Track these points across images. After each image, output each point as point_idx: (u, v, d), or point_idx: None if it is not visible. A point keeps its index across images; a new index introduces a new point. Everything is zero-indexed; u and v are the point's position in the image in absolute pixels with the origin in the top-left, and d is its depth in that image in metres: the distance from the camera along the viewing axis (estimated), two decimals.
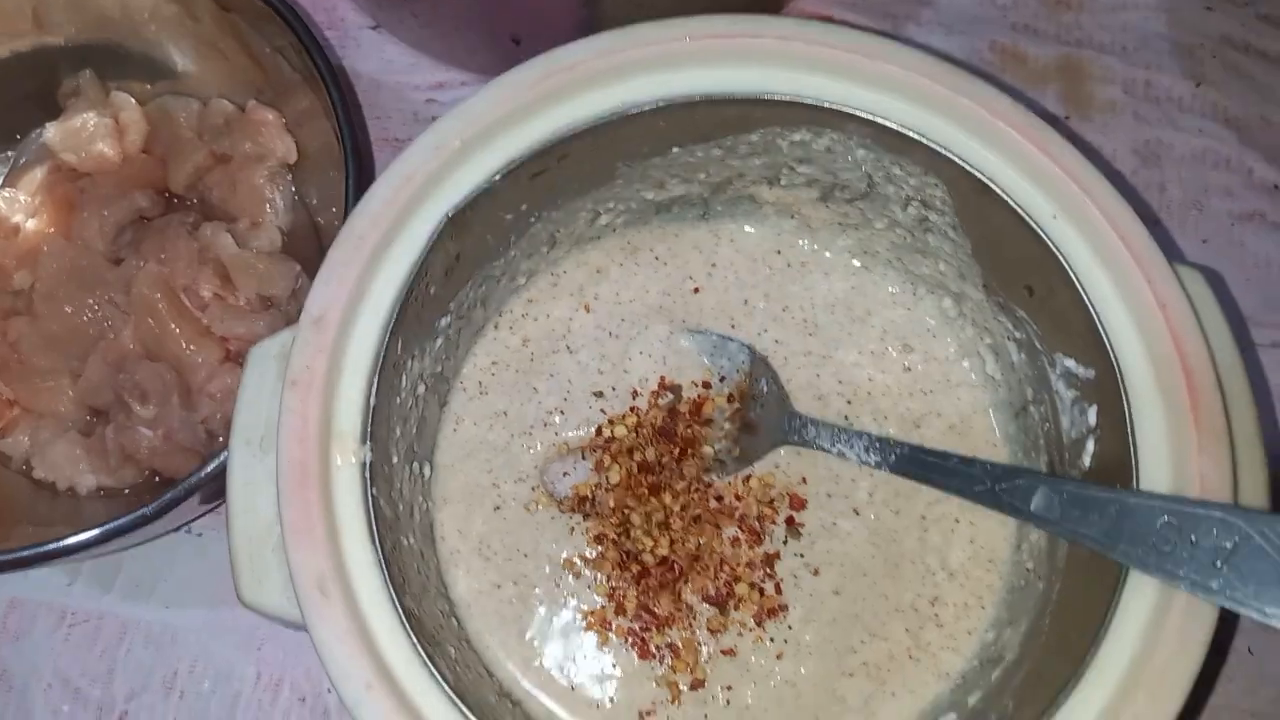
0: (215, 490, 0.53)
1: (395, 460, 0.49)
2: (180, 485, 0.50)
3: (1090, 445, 0.47)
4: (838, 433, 0.52)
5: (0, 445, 0.63)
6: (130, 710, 0.59)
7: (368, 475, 0.44)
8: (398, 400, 0.49)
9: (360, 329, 0.46)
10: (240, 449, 0.45)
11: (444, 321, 0.53)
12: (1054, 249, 0.46)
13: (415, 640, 0.41)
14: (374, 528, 0.43)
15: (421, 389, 0.52)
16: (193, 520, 0.63)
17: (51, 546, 0.49)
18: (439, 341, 0.53)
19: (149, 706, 0.59)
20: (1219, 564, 0.38)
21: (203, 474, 0.50)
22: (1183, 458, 0.42)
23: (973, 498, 0.46)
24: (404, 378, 0.50)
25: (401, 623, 0.42)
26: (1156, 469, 0.43)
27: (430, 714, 0.40)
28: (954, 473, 0.46)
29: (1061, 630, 0.45)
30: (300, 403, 0.43)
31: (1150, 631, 0.40)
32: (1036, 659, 0.46)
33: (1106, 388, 0.45)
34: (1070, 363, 0.48)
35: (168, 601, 0.62)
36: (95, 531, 0.49)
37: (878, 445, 0.50)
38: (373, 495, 0.44)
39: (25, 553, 0.49)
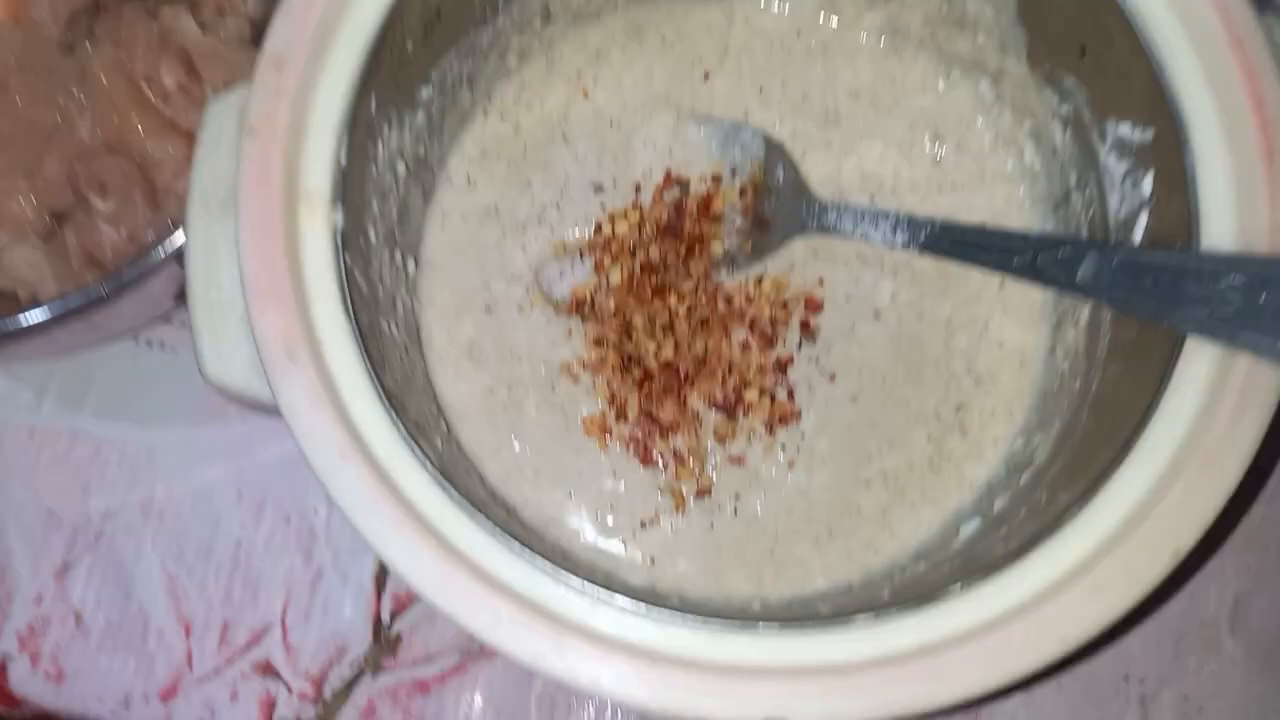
0: (176, 281, 0.49)
1: (373, 239, 0.44)
2: (142, 256, 0.45)
3: (1143, 220, 0.42)
4: (861, 214, 0.47)
5: None
6: (107, 530, 0.56)
7: (339, 240, 0.40)
8: (374, 170, 0.44)
9: (327, 75, 0.41)
10: (199, 212, 0.40)
11: (425, 93, 0.48)
12: None
13: (394, 415, 0.37)
14: (347, 297, 0.39)
15: (402, 169, 0.47)
16: (167, 312, 0.58)
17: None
18: (420, 116, 0.48)
19: (126, 526, 0.56)
20: None
21: (166, 246, 0.45)
22: (1252, 214, 0.37)
23: (1011, 272, 0.41)
24: (380, 145, 0.45)
25: (379, 396, 0.38)
26: (1221, 230, 0.38)
27: (411, 489, 0.36)
28: (991, 246, 0.42)
29: (1101, 419, 0.41)
30: (260, 152, 0.38)
31: (1207, 402, 0.36)
32: (1072, 454, 0.42)
33: (1166, 148, 0.40)
34: (1125, 128, 0.43)
35: (143, 420, 0.58)
36: (47, 310, 0.44)
37: (906, 224, 0.45)
38: (346, 263, 0.39)
39: None
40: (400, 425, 0.38)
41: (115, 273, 0.45)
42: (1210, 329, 0.35)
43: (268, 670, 0.54)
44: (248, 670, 0.54)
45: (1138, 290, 0.37)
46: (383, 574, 0.55)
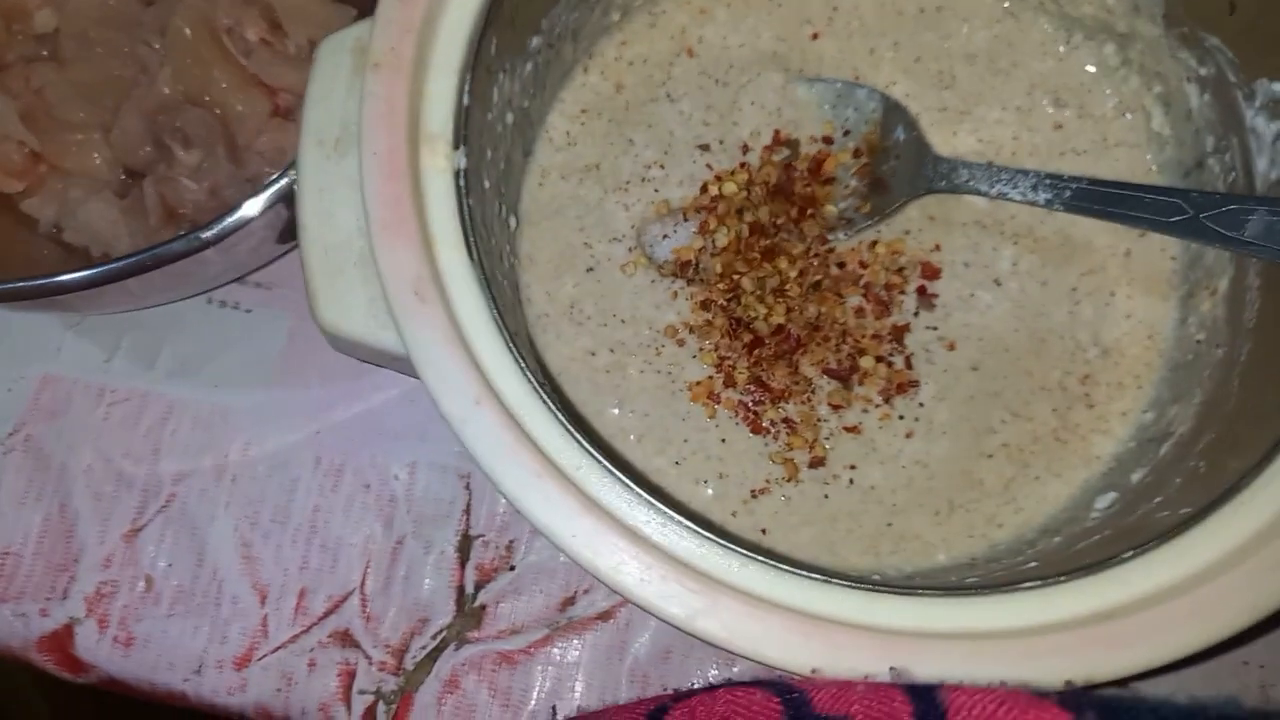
0: (273, 233, 0.47)
1: (487, 186, 0.42)
2: (239, 207, 0.43)
3: None
4: (997, 171, 0.45)
5: (27, 206, 0.56)
6: (179, 493, 0.54)
7: (463, 184, 0.38)
8: (489, 117, 0.42)
9: (452, 12, 0.39)
10: (312, 149, 0.38)
11: (535, 42, 0.46)
12: None
13: (522, 363, 0.35)
14: (472, 241, 0.37)
15: (510, 119, 0.45)
16: (252, 272, 0.56)
17: (85, 274, 0.42)
18: (529, 67, 0.46)
19: (199, 490, 0.54)
20: None
21: (263, 196, 0.43)
22: None
23: (1168, 229, 0.39)
24: (495, 92, 0.43)
25: (506, 343, 0.35)
26: None
27: (545, 439, 0.34)
28: (1145, 204, 0.40)
29: (1261, 389, 0.39)
30: (386, 88, 0.36)
31: None
32: (1228, 423, 0.40)
33: None
34: (1278, 86, 0.41)
35: (217, 381, 0.56)
36: (138, 257, 0.42)
37: (1048, 182, 0.43)
38: (469, 207, 0.37)
39: (40, 282, 0.43)
40: (529, 373, 0.36)
41: (212, 220, 0.43)
42: None
43: (346, 640, 0.51)
44: (325, 639, 0.51)
45: None
46: (466, 543, 0.53)
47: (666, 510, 0.33)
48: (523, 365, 0.35)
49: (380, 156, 0.35)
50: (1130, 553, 0.33)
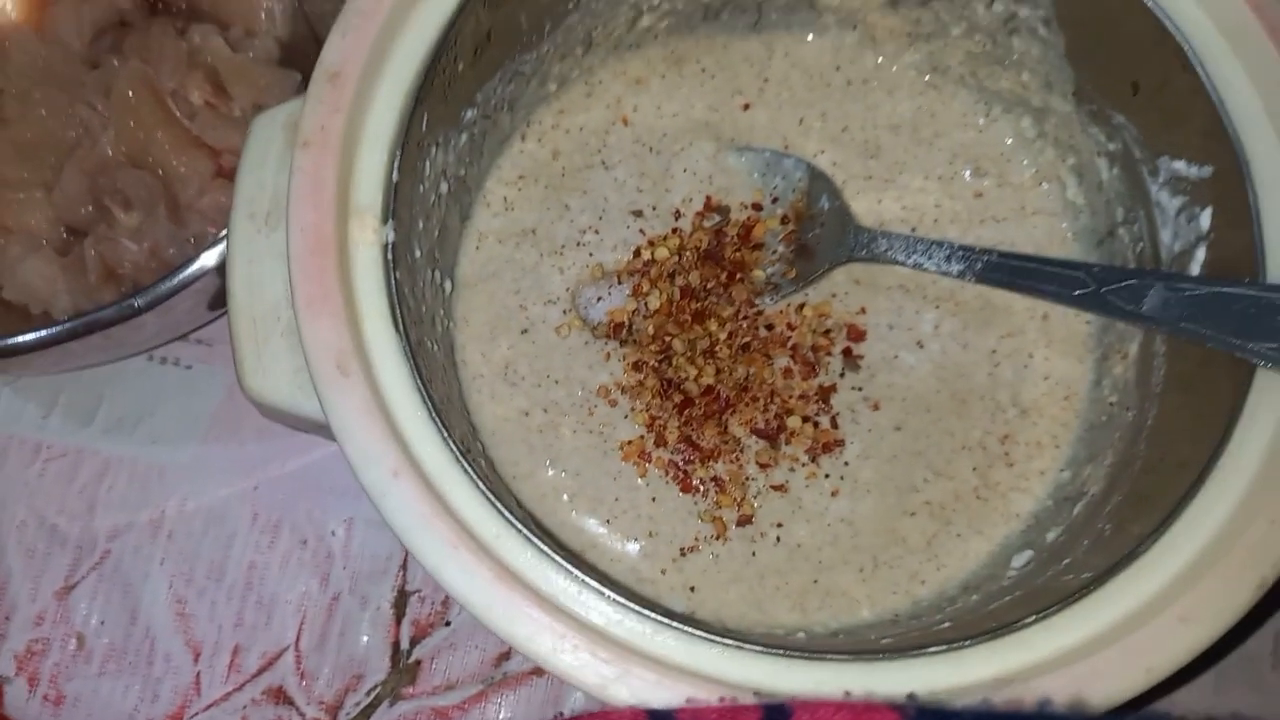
0: (207, 298, 0.48)
1: (418, 255, 0.43)
2: (176, 273, 0.43)
3: (1200, 253, 0.42)
4: (913, 243, 0.47)
5: None
6: (113, 550, 0.54)
7: (390, 256, 0.39)
8: (421, 189, 0.43)
9: (383, 91, 0.40)
10: (243, 222, 0.39)
11: (469, 114, 0.47)
12: (1172, 27, 0.41)
13: (445, 433, 0.36)
14: (398, 313, 0.38)
15: (444, 188, 0.47)
16: (190, 333, 0.56)
17: (24, 339, 0.43)
18: (464, 138, 0.47)
19: (133, 547, 0.54)
20: None
21: (197, 264, 0.44)
22: None
23: (1072, 303, 0.41)
24: (428, 164, 0.44)
25: (430, 413, 0.36)
26: None
27: (463, 508, 0.35)
28: (1052, 277, 0.41)
29: (1164, 451, 0.41)
30: (314, 164, 0.37)
31: None
32: (1133, 484, 0.41)
33: (1226, 183, 0.40)
34: (1179, 164, 0.43)
35: (154, 437, 0.56)
36: (71, 324, 0.43)
37: (960, 253, 0.45)
38: (396, 278, 0.38)
39: None
40: (451, 442, 0.36)
41: (150, 285, 0.44)
42: None
43: (280, 697, 0.51)
44: (259, 696, 0.51)
45: (1209, 323, 0.37)
46: (402, 599, 0.53)
47: (582, 576, 0.34)
48: (445, 434, 0.36)
49: (307, 232, 0.36)
50: (1032, 617, 0.35)
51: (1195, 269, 0.42)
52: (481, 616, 0.33)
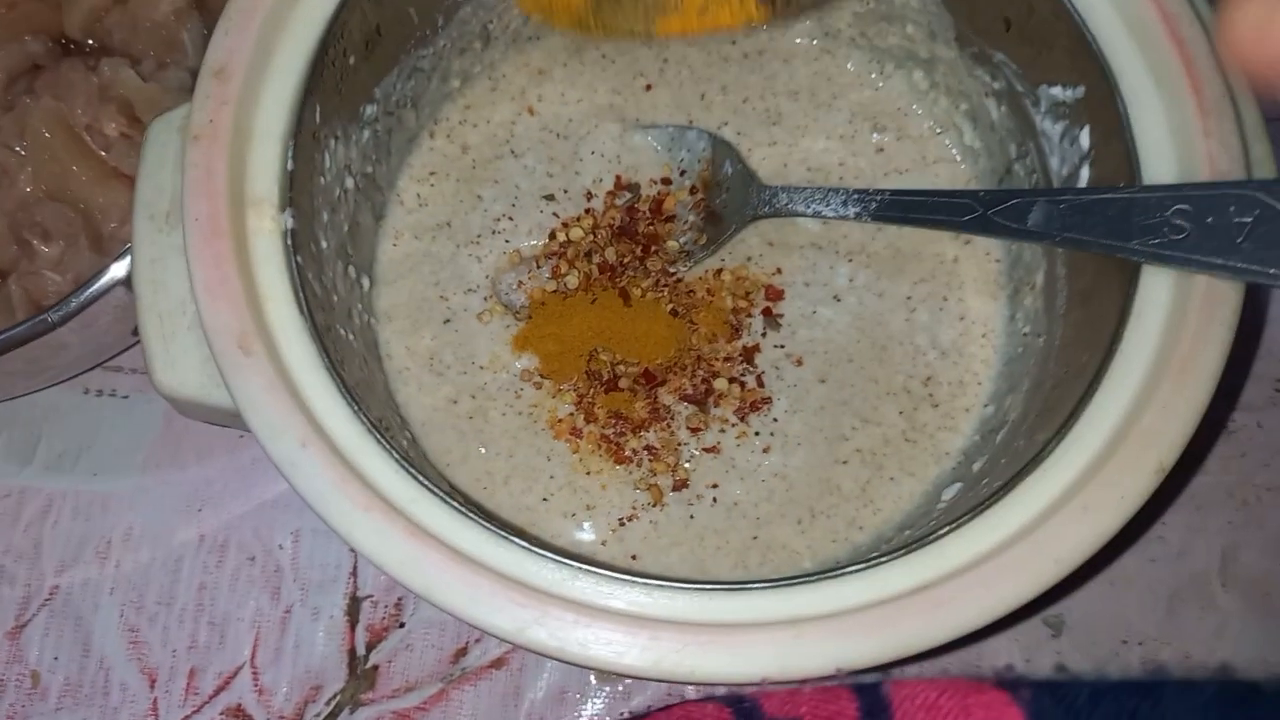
0: (125, 313, 0.48)
1: (325, 247, 0.44)
2: (88, 285, 0.44)
3: (1085, 173, 0.44)
4: (812, 193, 0.48)
5: None
6: (62, 584, 0.54)
7: (290, 242, 0.39)
8: (322, 180, 0.44)
9: (270, 85, 0.41)
10: (144, 223, 0.39)
11: (370, 110, 0.48)
12: None
13: (356, 408, 0.37)
14: (301, 296, 0.38)
15: (351, 184, 0.47)
16: (119, 358, 0.57)
17: None
18: (366, 134, 0.48)
19: (83, 580, 0.54)
20: (1239, 241, 0.35)
21: (109, 274, 0.45)
22: (1189, 146, 0.38)
23: (964, 228, 0.42)
24: (327, 157, 0.44)
25: (340, 390, 0.37)
26: (1161, 166, 0.39)
27: (377, 475, 0.35)
28: (941, 207, 0.42)
29: (1070, 363, 0.42)
30: (205, 157, 0.38)
31: (1170, 321, 0.36)
32: (1044, 401, 0.42)
33: (1098, 100, 0.42)
34: (1056, 90, 0.45)
35: (95, 469, 0.56)
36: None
37: (855, 197, 0.46)
38: (298, 263, 0.39)
39: None
40: (364, 417, 0.37)
41: (63, 300, 0.44)
42: (1164, 256, 0.36)
43: (239, 715, 0.51)
44: (218, 717, 0.51)
45: (1089, 229, 0.38)
46: (355, 605, 0.53)
47: (497, 530, 0.34)
48: (356, 409, 0.37)
49: (201, 221, 0.37)
50: (945, 529, 0.35)
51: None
52: (395, 574, 0.33)
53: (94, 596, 0.53)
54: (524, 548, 0.34)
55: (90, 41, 0.61)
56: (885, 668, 0.33)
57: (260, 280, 0.38)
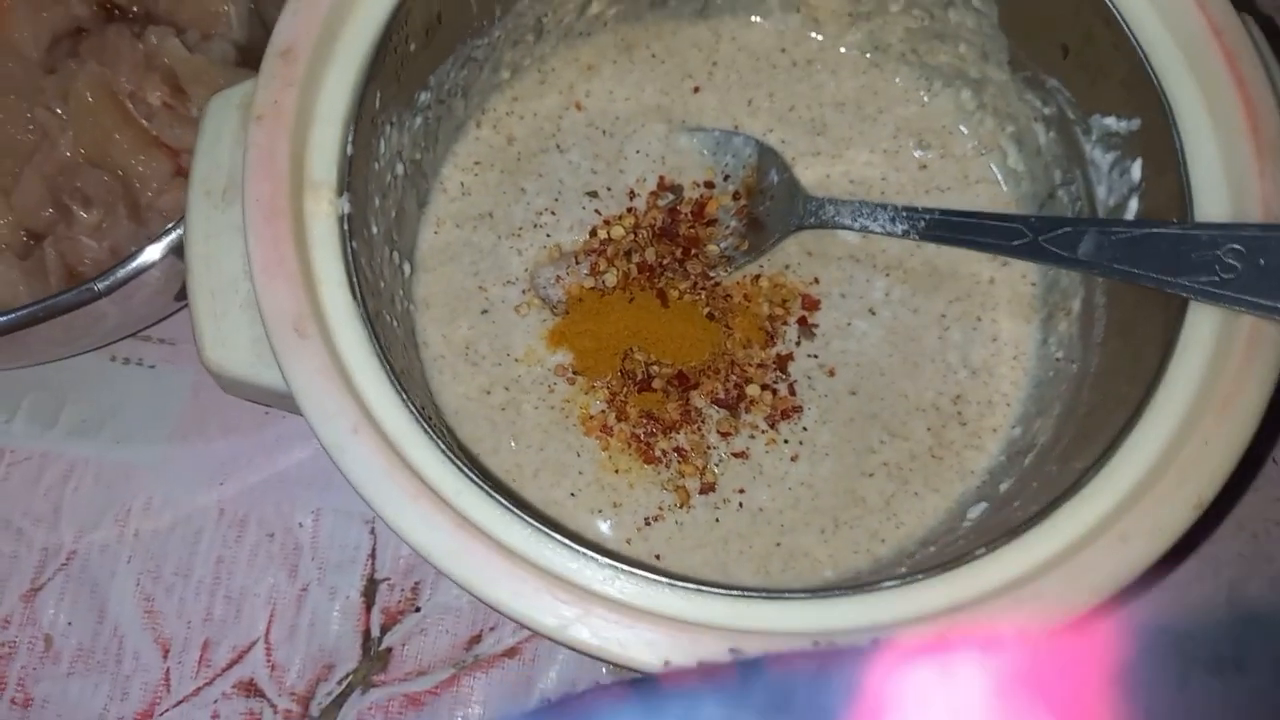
0: (169, 285, 0.48)
1: (375, 232, 0.44)
2: (133, 257, 0.44)
3: (1134, 205, 0.44)
4: (859, 207, 0.48)
5: None
6: (80, 550, 0.54)
7: (346, 227, 0.39)
8: (376, 166, 0.44)
9: (334, 68, 0.41)
10: (199, 198, 0.39)
11: (424, 98, 0.48)
12: None
13: (404, 395, 0.37)
14: (355, 281, 0.38)
15: (400, 170, 0.47)
16: (152, 326, 0.57)
17: None
18: (418, 121, 0.48)
19: (101, 545, 0.54)
20: None
21: (160, 245, 0.45)
22: (1244, 186, 0.39)
23: (1012, 253, 0.42)
24: (383, 143, 0.45)
25: (389, 376, 0.37)
26: (1214, 204, 0.39)
27: (424, 465, 0.35)
28: (991, 230, 0.43)
29: (1106, 392, 0.42)
30: (267, 138, 0.38)
31: (1214, 359, 0.37)
32: (1079, 428, 0.43)
33: (1153, 134, 0.42)
34: (1110, 120, 0.45)
35: (119, 438, 0.56)
36: (31, 309, 0.43)
37: (904, 214, 0.46)
38: (353, 248, 0.39)
39: None
40: (411, 405, 0.37)
41: (109, 270, 0.44)
42: (1214, 294, 0.36)
43: (251, 690, 0.51)
44: (229, 690, 0.51)
45: (1140, 262, 0.38)
46: (371, 587, 0.53)
47: (542, 528, 0.35)
48: (404, 397, 0.37)
49: (262, 202, 0.37)
50: (982, 549, 0.35)
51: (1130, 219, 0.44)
52: (441, 565, 0.33)
53: (111, 564, 0.54)
54: (568, 545, 0.34)
55: (135, 8, 0.61)
56: None
57: (316, 264, 0.38)
